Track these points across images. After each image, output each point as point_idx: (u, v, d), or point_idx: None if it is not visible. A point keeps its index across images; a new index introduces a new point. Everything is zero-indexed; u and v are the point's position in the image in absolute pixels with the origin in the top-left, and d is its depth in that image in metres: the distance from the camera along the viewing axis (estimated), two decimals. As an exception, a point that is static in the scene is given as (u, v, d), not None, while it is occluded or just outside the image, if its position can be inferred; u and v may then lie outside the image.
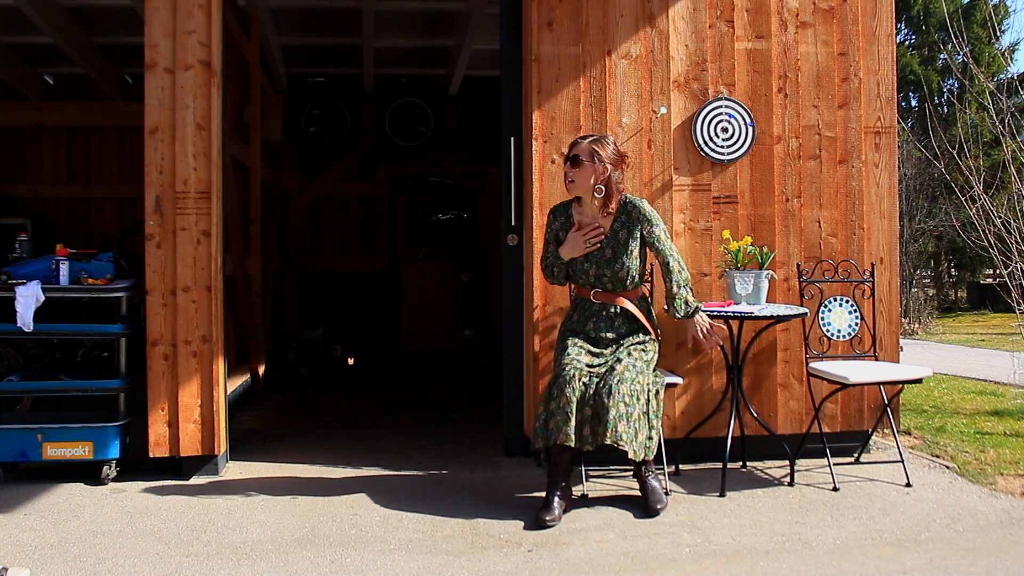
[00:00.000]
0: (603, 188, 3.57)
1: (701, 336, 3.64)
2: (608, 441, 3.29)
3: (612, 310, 3.62)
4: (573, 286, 3.80)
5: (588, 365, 3.49)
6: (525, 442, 4.29)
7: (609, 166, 3.56)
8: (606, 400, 3.31)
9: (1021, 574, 2.92)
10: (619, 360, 3.48)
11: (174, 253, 3.98)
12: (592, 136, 3.66)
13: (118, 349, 4.03)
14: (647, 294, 3.80)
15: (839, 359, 4.18)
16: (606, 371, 3.44)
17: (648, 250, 3.67)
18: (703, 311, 3.70)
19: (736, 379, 3.96)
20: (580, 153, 3.56)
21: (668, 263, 3.59)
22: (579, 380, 3.40)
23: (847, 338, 4.21)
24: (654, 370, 3.59)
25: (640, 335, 3.62)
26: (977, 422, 5.22)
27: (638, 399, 3.39)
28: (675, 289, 3.60)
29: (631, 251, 3.58)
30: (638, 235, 3.59)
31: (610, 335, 3.60)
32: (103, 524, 3.42)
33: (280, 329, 7.98)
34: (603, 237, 3.60)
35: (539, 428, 3.43)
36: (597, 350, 3.58)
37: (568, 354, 3.51)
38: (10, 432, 3.92)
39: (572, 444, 3.37)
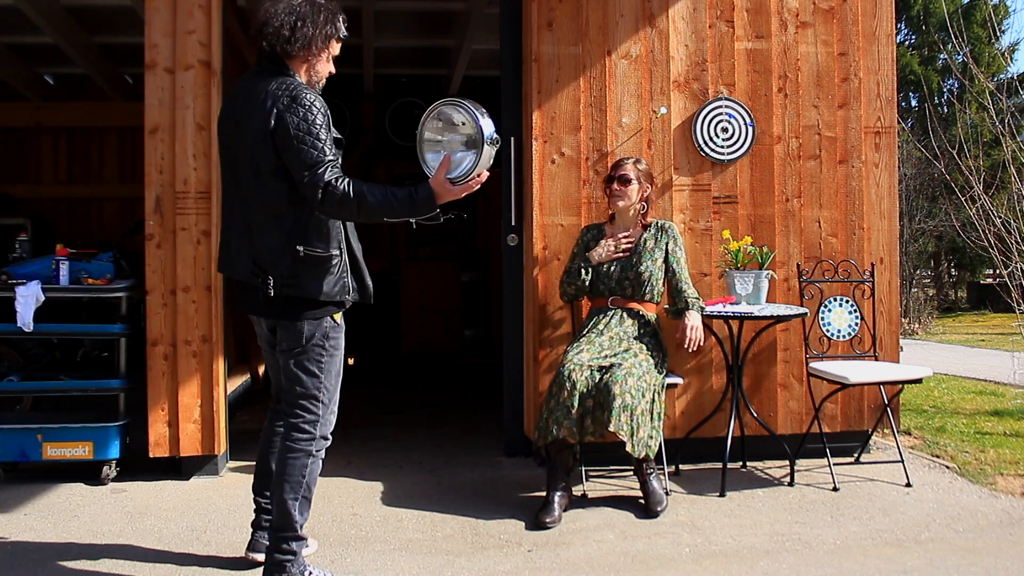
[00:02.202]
0: (645, 204, 3.89)
1: (690, 333, 3.66)
2: (611, 428, 3.32)
3: (626, 314, 3.75)
4: (588, 301, 3.93)
5: (592, 359, 3.53)
6: (525, 442, 4.29)
7: (648, 184, 3.87)
8: (613, 388, 3.36)
9: (1021, 574, 2.92)
10: (626, 358, 3.52)
11: (174, 253, 3.98)
12: (631, 158, 3.95)
13: (118, 349, 4.02)
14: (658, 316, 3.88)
15: (839, 359, 4.18)
16: (612, 365, 3.48)
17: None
18: (704, 309, 3.82)
19: (736, 379, 3.96)
20: (628, 172, 3.84)
21: (682, 289, 3.79)
22: (580, 374, 3.45)
23: (847, 338, 4.21)
24: (659, 374, 3.63)
25: (650, 339, 3.71)
26: (977, 422, 5.22)
27: (644, 395, 3.42)
28: (691, 301, 3.77)
29: (655, 258, 3.80)
30: (664, 246, 3.83)
31: (621, 333, 3.67)
32: (103, 524, 3.42)
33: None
34: (632, 244, 3.82)
35: (540, 427, 3.47)
36: (603, 346, 3.62)
37: (569, 355, 3.57)
38: (10, 432, 3.92)
39: (573, 439, 3.42)
